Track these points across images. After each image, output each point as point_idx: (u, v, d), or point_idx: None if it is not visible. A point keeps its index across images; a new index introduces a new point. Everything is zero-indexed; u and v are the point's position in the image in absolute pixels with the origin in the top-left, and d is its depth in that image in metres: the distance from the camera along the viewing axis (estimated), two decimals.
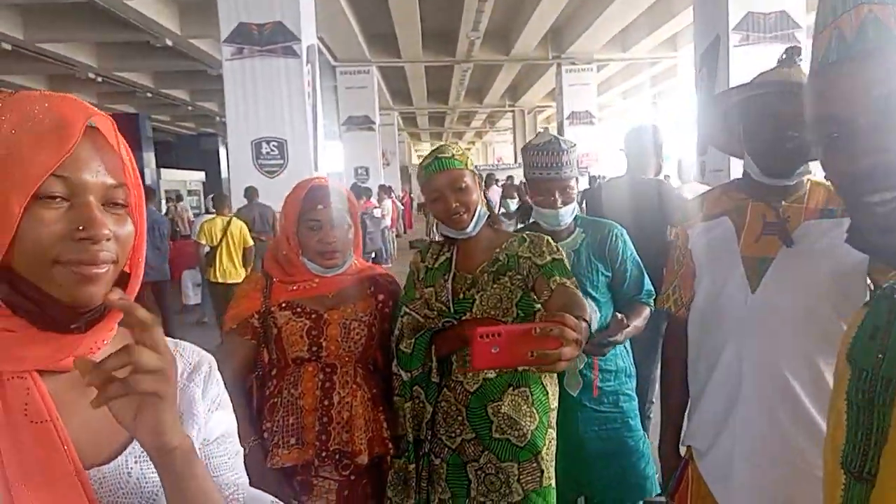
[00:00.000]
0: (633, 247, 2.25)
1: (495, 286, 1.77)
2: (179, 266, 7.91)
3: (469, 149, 53.36)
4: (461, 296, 1.81)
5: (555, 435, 1.82)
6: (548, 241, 1.83)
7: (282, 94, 8.86)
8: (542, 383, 1.80)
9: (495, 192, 10.28)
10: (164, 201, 20.38)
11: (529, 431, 1.74)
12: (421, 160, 1.90)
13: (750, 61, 8.52)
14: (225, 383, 1.76)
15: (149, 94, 22.39)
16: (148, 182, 23.93)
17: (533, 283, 1.76)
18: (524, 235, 1.86)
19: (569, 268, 1.81)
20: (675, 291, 1.73)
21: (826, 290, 1.41)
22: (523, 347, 1.18)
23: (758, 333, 1.46)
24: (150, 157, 26.59)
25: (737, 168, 8.06)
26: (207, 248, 6.98)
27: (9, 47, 14.48)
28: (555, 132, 2.31)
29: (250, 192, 8.20)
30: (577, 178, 2.19)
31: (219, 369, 1.80)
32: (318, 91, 9.68)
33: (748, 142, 1.54)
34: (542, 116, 33.44)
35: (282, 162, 8.90)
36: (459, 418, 1.78)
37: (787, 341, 1.44)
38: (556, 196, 2.12)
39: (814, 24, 0.82)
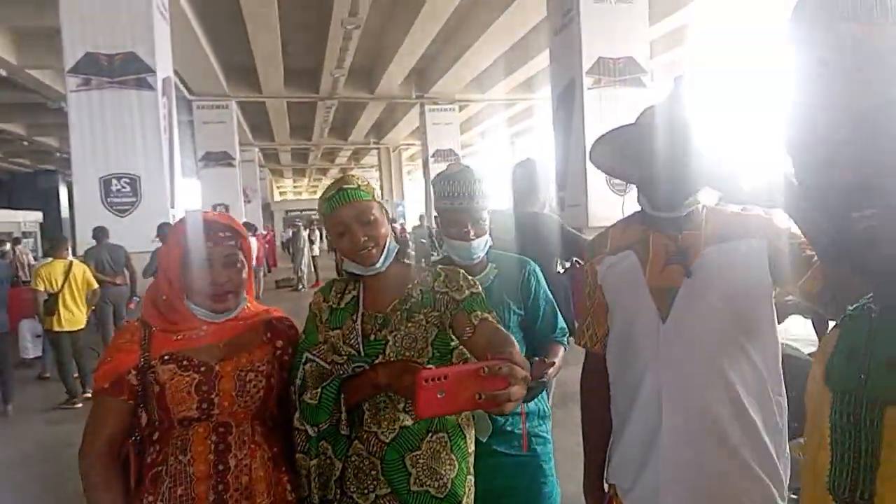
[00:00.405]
0: (545, 284, 2.17)
1: (409, 325, 1.65)
2: (16, 316, 7.09)
3: None
4: (372, 337, 1.66)
5: (473, 482, 1.70)
6: (464, 274, 1.74)
7: (134, 128, 8.35)
8: (460, 426, 1.68)
9: None
10: None
11: (450, 480, 1.61)
12: (323, 192, 1.74)
13: (603, 102, 9.11)
14: (96, 451, 1.55)
15: None
16: None
17: (451, 320, 1.66)
18: (438, 270, 1.75)
19: (486, 302, 1.72)
20: (589, 327, 1.71)
21: (731, 314, 1.44)
22: (470, 389, 1.10)
23: (673, 363, 1.47)
24: None
25: (594, 204, 8.53)
26: (46, 296, 6.32)
27: None
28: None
29: (100, 233, 7.57)
30: (487, 211, 2.06)
31: (88, 437, 1.57)
32: (175, 125, 9.21)
33: (635, 178, 1.58)
34: (407, 154, 33.93)
35: (134, 199, 8.34)
36: (373, 472, 1.62)
37: (703, 369, 1.45)
38: (469, 227, 2.00)
39: None
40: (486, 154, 35.84)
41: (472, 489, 1.70)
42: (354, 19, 12.02)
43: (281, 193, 53.47)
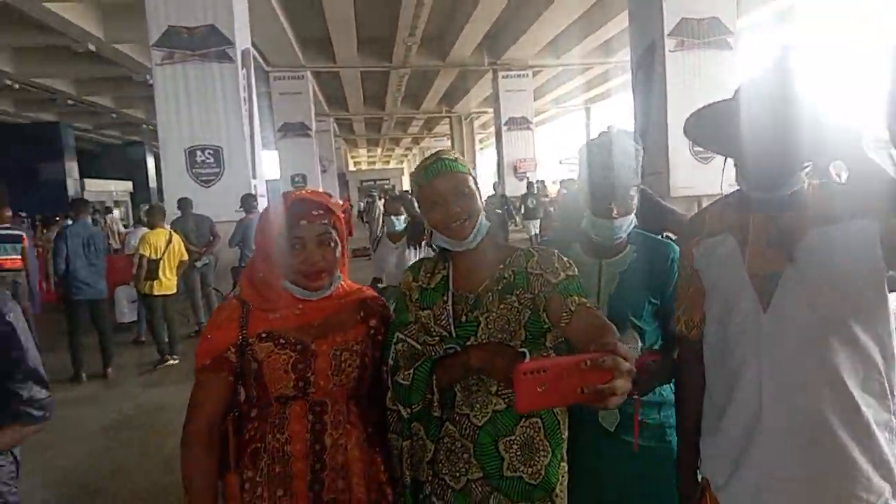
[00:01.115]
0: None
1: (502, 306, 1.59)
2: (113, 282, 7.49)
3: (406, 155, 53.24)
4: (463, 318, 1.62)
5: (567, 469, 1.65)
6: (558, 255, 1.66)
7: (216, 100, 8.56)
8: (553, 412, 1.61)
9: None
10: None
11: (543, 467, 1.57)
12: (420, 162, 1.71)
13: (685, 66, 8.72)
14: (197, 431, 1.59)
15: (70, 102, 21.34)
16: (72, 193, 22.85)
17: (545, 304, 1.58)
18: (531, 249, 1.67)
19: (583, 288, 1.62)
20: (685, 312, 1.62)
21: (839, 301, 1.34)
22: (572, 383, 1.05)
23: (775, 355, 1.38)
24: (72, 167, 25.43)
25: (676, 172, 8.16)
26: (148, 261, 6.75)
27: None
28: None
29: (184, 204, 7.88)
30: (637, 188, 1.84)
31: (190, 415, 1.61)
32: (254, 96, 9.40)
33: (736, 156, 1.47)
34: (479, 122, 33.66)
35: (218, 170, 8.59)
36: (465, 456, 1.58)
37: (807, 361, 1.36)
38: (612, 204, 1.79)
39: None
40: (560, 121, 35.20)
41: (566, 477, 1.65)
42: None
43: (355, 164, 54.18)
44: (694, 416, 1.60)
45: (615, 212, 1.80)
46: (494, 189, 17.87)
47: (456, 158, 1.64)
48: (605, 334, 1.36)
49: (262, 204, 8.29)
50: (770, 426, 1.38)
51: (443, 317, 1.63)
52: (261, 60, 16.74)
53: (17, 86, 17.62)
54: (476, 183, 1.65)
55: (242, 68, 8.80)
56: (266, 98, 18.15)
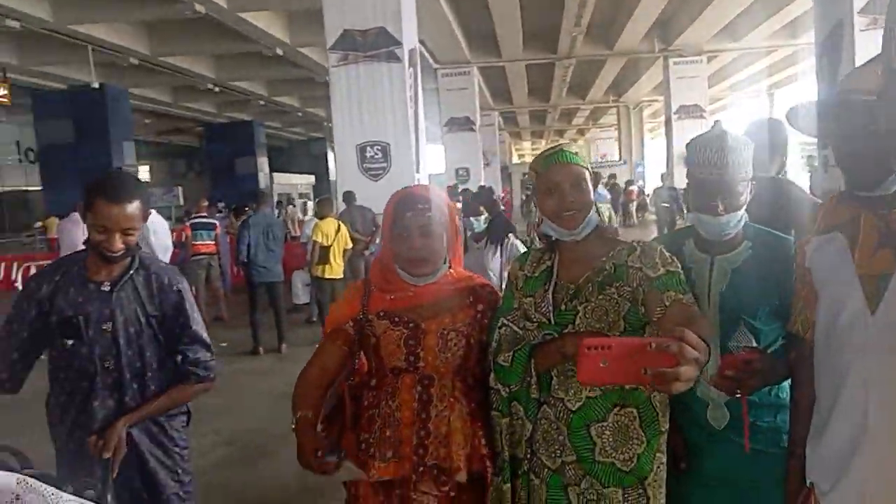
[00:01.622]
0: None
1: (600, 297, 1.64)
2: (289, 267, 8.26)
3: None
4: (563, 307, 1.69)
5: (664, 460, 1.67)
6: (661, 251, 1.67)
7: (384, 99, 9.02)
8: (651, 403, 1.65)
9: (602, 189, 9.96)
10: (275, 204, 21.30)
11: (636, 455, 1.61)
12: (541, 151, 1.81)
13: (878, 47, 7.86)
14: (306, 377, 1.77)
15: (262, 103, 23.52)
16: (262, 186, 25.17)
17: (643, 298, 1.61)
18: (634, 244, 1.71)
19: (685, 284, 1.63)
20: (800, 312, 1.57)
21: None
22: (636, 363, 1.08)
23: (883, 359, 1.31)
24: (263, 163, 27.98)
25: None
26: (322, 247, 7.48)
27: (136, 61, 15.62)
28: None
29: (348, 196, 8.49)
30: (748, 183, 1.77)
31: (308, 363, 1.82)
32: (420, 94, 9.80)
33: (834, 152, 1.41)
34: (649, 111, 32.42)
35: (385, 165, 9.07)
36: (560, 438, 1.66)
37: None
38: (719, 201, 1.73)
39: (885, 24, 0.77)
40: (739, 109, 32.93)
41: (663, 468, 1.66)
42: None
43: (519, 156, 54.35)
44: (807, 419, 1.54)
45: (721, 208, 1.73)
46: (662, 180, 17.10)
47: (576, 152, 1.71)
48: (691, 326, 1.35)
49: None
50: (876, 431, 1.31)
51: (543, 304, 1.72)
52: (429, 58, 17.34)
53: (217, 89, 19.73)
54: (592, 179, 1.70)
55: (409, 67, 9.20)
56: (434, 94, 18.79)
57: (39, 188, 20.72)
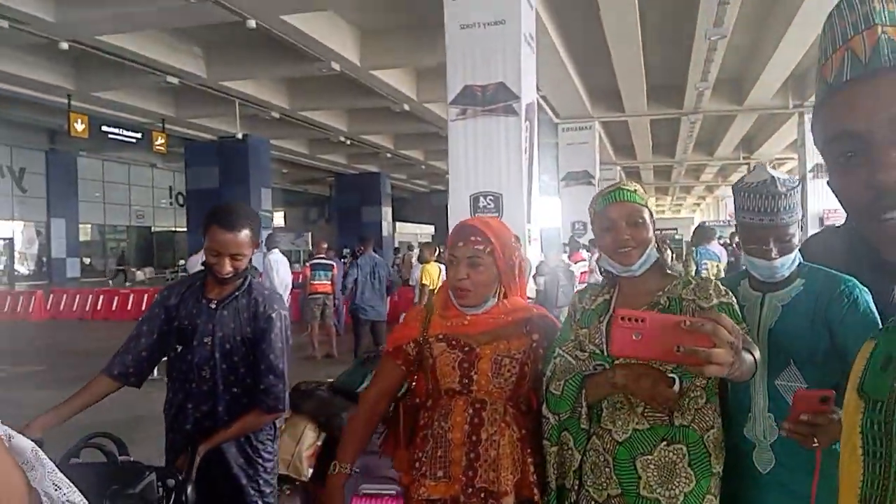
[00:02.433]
0: (870, 310, 1.69)
1: None
2: (403, 308, 8.59)
3: (699, 203, 50.65)
4: None
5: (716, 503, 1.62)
6: (716, 284, 1.69)
7: (500, 151, 9.24)
8: (704, 442, 1.63)
9: (714, 247, 9.60)
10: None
11: (682, 493, 1.58)
12: (599, 191, 1.85)
13: None
14: (366, 397, 1.92)
15: (388, 155, 24.64)
16: (385, 234, 26.16)
17: None
18: (690, 278, 1.73)
19: (739, 315, 1.63)
20: None
21: None
22: (669, 340, 1.06)
23: None
24: (387, 212, 29.18)
25: None
26: (430, 290, 7.90)
27: (277, 116, 16.94)
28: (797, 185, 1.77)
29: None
30: (798, 223, 1.78)
31: (370, 385, 1.95)
32: (536, 147, 9.94)
33: None
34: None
35: (496, 214, 9.21)
36: (607, 470, 1.67)
37: None
38: (771, 245, 1.73)
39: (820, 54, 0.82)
40: None
41: None
42: (719, 30, 11.45)
43: None
44: None
45: (774, 252, 1.72)
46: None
47: (635, 190, 1.73)
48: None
49: (535, 247, 8.68)
50: None
51: (597, 336, 1.73)
52: (550, 114, 17.55)
53: (349, 142, 20.94)
54: (651, 215, 1.71)
55: (525, 121, 9.40)
56: (553, 148, 18.93)
57: (185, 229, 22.69)
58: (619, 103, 17.79)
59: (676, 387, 1.54)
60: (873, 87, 0.74)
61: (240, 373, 2.26)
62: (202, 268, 2.36)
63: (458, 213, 9.55)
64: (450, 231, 1.93)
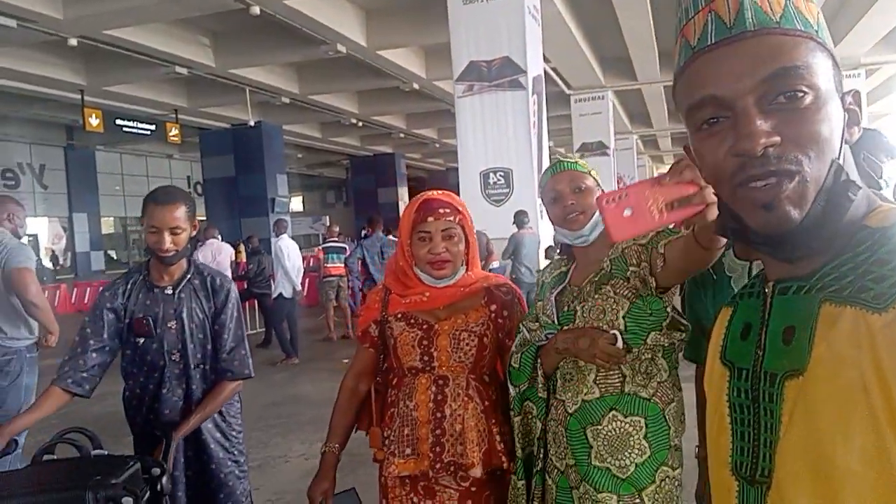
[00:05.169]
0: None
1: (596, 296, 1.65)
2: None
3: None
4: (565, 308, 1.73)
5: (673, 476, 1.61)
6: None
7: (507, 126, 9.19)
8: (664, 416, 1.62)
9: None
10: None
11: (633, 464, 1.58)
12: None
13: None
14: (345, 384, 1.98)
15: (402, 135, 24.58)
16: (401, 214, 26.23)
17: (649, 270, 1.57)
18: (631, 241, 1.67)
19: (676, 231, 1.56)
20: None
21: None
22: (659, 201, 1.04)
23: None
24: (403, 192, 29.17)
25: None
26: None
27: (287, 101, 16.97)
28: None
29: None
30: None
31: (347, 371, 2.01)
32: (544, 120, 9.88)
33: None
34: None
35: (507, 191, 9.21)
36: (563, 441, 1.68)
37: None
38: None
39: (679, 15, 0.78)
40: None
41: (670, 483, 1.60)
42: None
43: None
44: None
45: None
46: None
47: (576, 160, 1.74)
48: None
49: (547, 221, 8.67)
50: None
51: (548, 307, 1.75)
52: (562, 85, 17.37)
53: (360, 123, 20.91)
54: (597, 182, 1.72)
55: (533, 94, 9.33)
56: (566, 121, 18.76)
57: (204, 218, 22.95)
58: (632, 71, 17.55)
59: (619, 343, 1.56)
60: (740, 52, 0.71)
61: (207, 349, 2.33)
62: (197, 260, 2.45)
63: (468, 190, 9.54)
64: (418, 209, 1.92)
